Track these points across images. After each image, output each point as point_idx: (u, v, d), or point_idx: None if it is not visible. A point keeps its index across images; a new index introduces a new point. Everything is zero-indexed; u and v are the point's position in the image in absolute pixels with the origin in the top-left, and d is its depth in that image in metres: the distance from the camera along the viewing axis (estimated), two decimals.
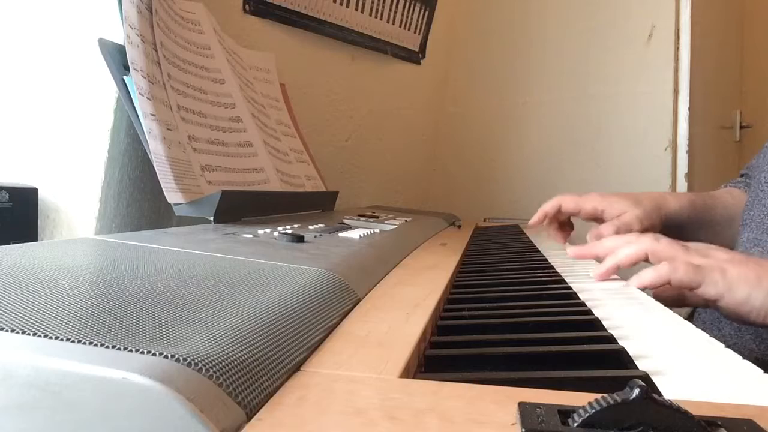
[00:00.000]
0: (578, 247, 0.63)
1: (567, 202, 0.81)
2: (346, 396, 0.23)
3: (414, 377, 0.29)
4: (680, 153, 1.46)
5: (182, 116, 0.76)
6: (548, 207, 0.81)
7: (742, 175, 0.95)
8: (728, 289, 0.48)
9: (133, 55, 0.69)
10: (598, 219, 0.80)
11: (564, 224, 0.86)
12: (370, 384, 0.24)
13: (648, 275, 0.51)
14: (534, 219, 0.82)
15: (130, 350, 0.21)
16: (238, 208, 0.73)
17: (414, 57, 1.57)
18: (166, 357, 0.21)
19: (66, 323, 0.23)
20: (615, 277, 0.58)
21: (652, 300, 0.47)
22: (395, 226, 0.81)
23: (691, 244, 0.55)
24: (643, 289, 0.51)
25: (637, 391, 0.19)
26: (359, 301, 0.40)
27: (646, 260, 0.54)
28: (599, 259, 0.59)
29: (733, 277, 0.49)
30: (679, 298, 0.55)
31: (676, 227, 0.79)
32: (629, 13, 1.51)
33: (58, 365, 0.19)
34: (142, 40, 0.72)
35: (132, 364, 0.19)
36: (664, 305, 0.54)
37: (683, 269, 0.49)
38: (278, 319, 0.29)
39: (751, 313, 0.49)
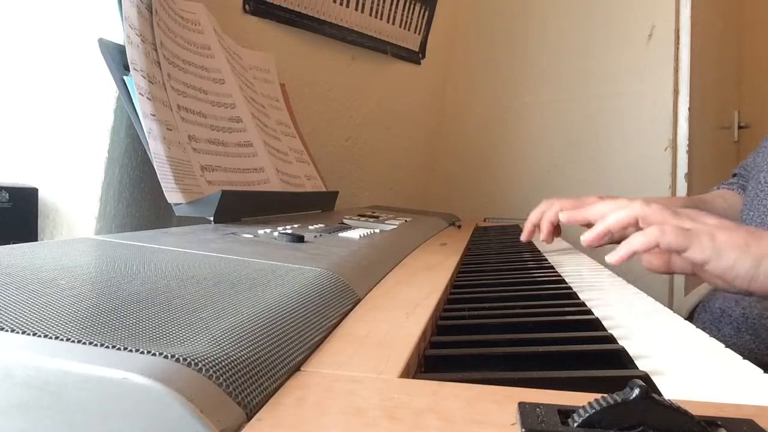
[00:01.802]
0: (570, 212, 0.63)
1: (566, 209, 0.79)
2: (346, 396, 0.23)
3: (414, 377, 0.29)
4: (680, 153, 1.46)
5: (182, 116, 0.76)
6: (552, 217, 0.80)
7: (734, 175, 0.95)
8: (716, 254, 0.48)
9: (133, 55, 0.69)
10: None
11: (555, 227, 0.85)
12: (370, 384, 0.24)
13: (637, 240, 0.50)
14: (544, 234, 0.78)
15: (130, 350, 0.21)
16: (238, 208, 0.73)
17: (414, 57, 1.57)
18: (166, 357, 0.21)
19: (66, 323, 0.23)
20: (616, 277, 0.58)
21: (652, 300, 0.47)
22: (395, 226, 0.81)
23: (681, 210, 0.55)
24: (631, 255, 0.51)
25: (637, 391, 0.19)
26: (359, 301, 0.40)
27: (636, 225, 0.54)
28: (590, 224, 0.59)
29: (721, 242, 0.48)
30: (666, 264, 0.54)
31: None
32: (629, 13, 1.51)
33: (58, 365, 0.19)
34: (142, 40, 0.72)
35: (132, 364, 0.19)
36: (653, 272, 0.55)
37: (672, 233, 0.49)
38: (278, 319, 0.29)
39: (736, 280, 0.49)
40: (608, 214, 0.56)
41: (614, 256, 0.52)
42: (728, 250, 0.48)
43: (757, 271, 0.48)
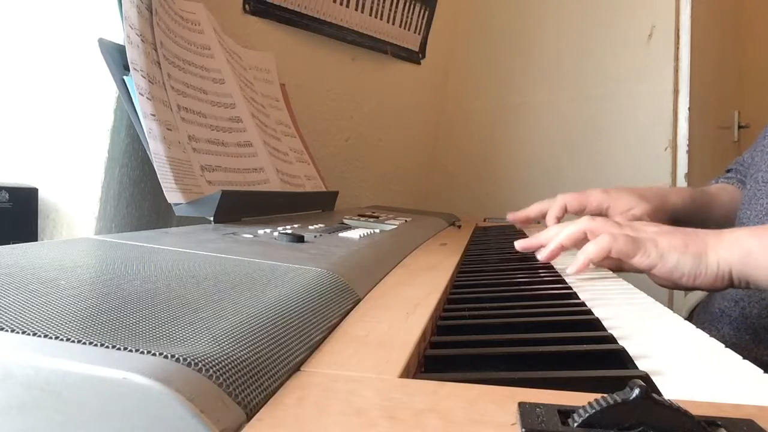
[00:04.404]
0: (523, 240, 0.67)
1: (571, 201, 0.81)
2: (346, 396, 0.23)
3: (414, 377, 0.29)
4: (680, 153, 1.46)
5: (182, 116, 0.76)
6: (557, 211, 0.81)
7: (728, 171, 0.95)
8: (660, 258, 0.53)
9: (133, 55, 0.69)
10: (602, 215, 0.80)
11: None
12: (370, 384, 0.24)
13: (591, 247, 0.55)
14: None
15: (130, 350, 0.21)
16: (238, 208, 0.73)
17: (414, 57, 1.57)
18: (166, 357, 0.21)
19: (66, 323, 0.23)
20: (616, 277, 0.58)
21: (652, 300, 0.47)
22: (395, 226, 0.81)
23: (622, 221, 0.61)
24: (589, 263, 0.56)
25: (637, 391, 0.19)
26: (359, 301, 0.40)
27: (585, 238, 0.59)
28: (544, 246, 0.64)
29: (663, 247, 0.54)
30: (617, 266, 0.59)
31: (675, 224, 0.79)
32: (629, 13, 1.51)
33: (58, 365, 0.19)
34: (142, 40, 0.72)
35: (132, 364, 0.19)
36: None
37: (622, 240, 0.54)
38: (278, 319, 0.29)
39: (682, 278, 0.53)
40: (560, 233, 0.61)
41: (573, 267, 0.57)
42: (671, 253, 0.53)
43: (699, 268, 0.53)
